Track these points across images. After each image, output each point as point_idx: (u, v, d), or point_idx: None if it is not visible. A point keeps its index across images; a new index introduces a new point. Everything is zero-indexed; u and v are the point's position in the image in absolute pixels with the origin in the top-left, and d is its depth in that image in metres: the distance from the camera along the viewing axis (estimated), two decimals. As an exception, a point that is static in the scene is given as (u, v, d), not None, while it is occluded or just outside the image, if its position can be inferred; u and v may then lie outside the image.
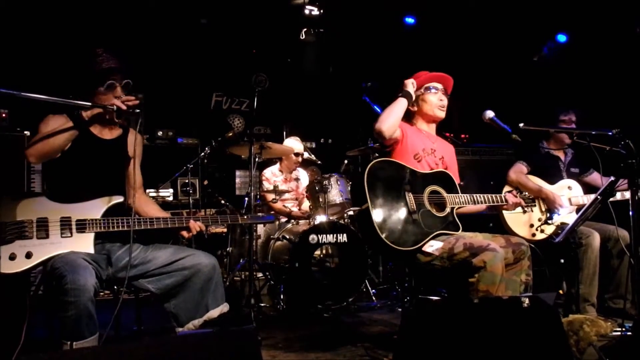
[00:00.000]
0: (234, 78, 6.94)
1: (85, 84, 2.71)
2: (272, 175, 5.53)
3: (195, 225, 2.84)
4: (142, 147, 3.03)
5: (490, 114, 3.15)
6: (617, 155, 2.76)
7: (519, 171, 4.13)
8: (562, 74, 6.16)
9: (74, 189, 2.63)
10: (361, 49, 7.03)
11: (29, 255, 2.43)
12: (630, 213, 2.50)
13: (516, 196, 3.30)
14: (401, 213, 2.98)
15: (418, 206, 3.03)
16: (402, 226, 2.95)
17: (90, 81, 2.72)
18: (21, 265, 2.41)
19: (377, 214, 2.91)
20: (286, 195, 5.42)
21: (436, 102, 3.38)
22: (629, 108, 5.10)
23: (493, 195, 3.28)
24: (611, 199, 3.82)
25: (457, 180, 3.32)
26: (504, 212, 3.63)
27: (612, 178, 2.68)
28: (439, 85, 3.40)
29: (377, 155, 3.28)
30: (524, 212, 3.39)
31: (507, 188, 4.11)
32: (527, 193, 3.35)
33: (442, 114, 3.40)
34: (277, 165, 5.65)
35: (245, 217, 3.10)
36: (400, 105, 3.22)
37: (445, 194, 3.17)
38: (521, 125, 2.97)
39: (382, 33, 6.82)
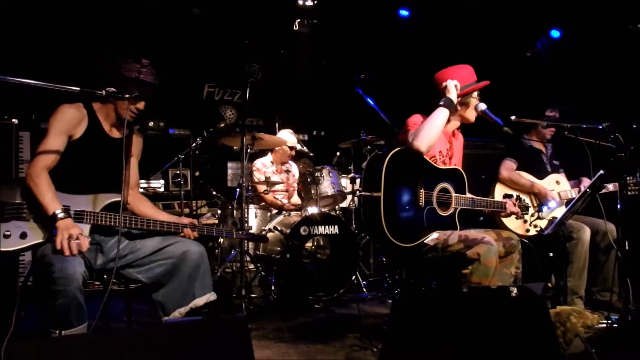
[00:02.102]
0: (226, 69, 6.90)
1: (120, 86, 2.70)
2: (263, 166, 5.52)
3: (191, 234, 2.87)
4: (141, 147, 3.07)
5: (482, 106, 3.15)
6: (606, 149, 2.78)
7: (510, 168, 4.14)
8: (555, 69, 6.19)
9: (77, 181, 2.64)
10: (355, 41, 7.02)
11: (23, 236, 2.44)
12: (618, 206, 2.52)
13: (515, 204, 3.27)
14: (409, 208, 2.96)
15: (426, 203, 3.00)
16: (406, 222, 2.94)
17: (126, 85, 2.72)
18: (14, 244, 2.42)
19: (387, 207, 2.85)
20: (276, 187, 5.42)
21: (478, 107, 3.22)
22: (620, 103, 5.14)
23: (494, 200, 3.29)
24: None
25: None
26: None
27: (602, 171, 2.69)
28: (475, 92, 3.24)
29: (393, 143, 3.20)
30: (517, 218, 3.39)
31: (499, 186, 4.12)
32: (525, 200, 3.34)
33: (473, 120, 3.27)
34: (269, 157, 5.63)
35: (240, 232, 3.27)
36: (441, 118, 3.03)
37: (453, 194, 3.12)
38: (513, 117, 2.98)
39: (376, 25, 6.81)
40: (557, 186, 4.21)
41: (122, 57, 2.77)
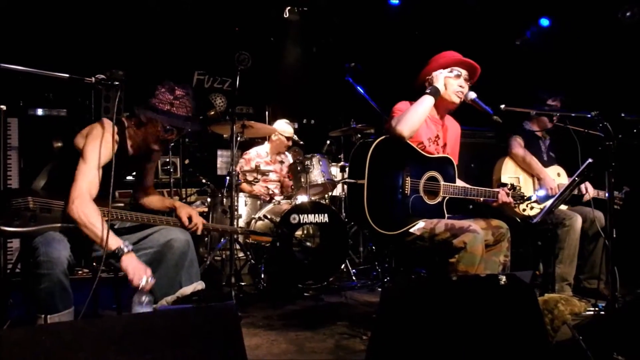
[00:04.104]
0: (216, 56, 6.85)
1: (159, 112, 2.72)
2: (257, 155, 5.50)
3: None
4: (159, 157, 3.17)
5: (472, 95, 3.14)
6: (595, 137, 2.79)
7: (522, 146, 4.18)
8: (544, 57, 6.20)
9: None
10: (345, 29, 6.99)
11: (33, 219, 2.42)
12: (606, 195, 2.53)
13: (508, 194, 3.24)
14: (394, 197, 2.97)
15: (412, 192, 3.01)
16: (391, 210, 2.95)
17: (164, 115, 2.72)
18: (23, 225, 2.40)
19: (371, 194, 2.87)
20: (271, 176, 5.41)
21: (455, 86, 3.16)
22: (609, 92, 5.16)
23: (486, 189, 3.26)
24: (594, 197, 3.94)
25: (455, 162, 3.27)
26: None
27: (590, 160, 2.71)
28: (463, 71, 3.18)
29: (383, 131, 3.19)
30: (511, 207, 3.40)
31: (508, 160, 4.15)
32: (520, 189, 3.33)
33: (457, 100, 3.18)
34: (266, 146, 5.61)
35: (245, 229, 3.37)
36: (426, 106, 3.04)
37: (441, 183, 3.13)
38: (502, 106, 2.98)
39: (367, 13, 6.78)
40: (558, 178, 4.26)
41: (160, 85, 2.74)
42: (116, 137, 2.66)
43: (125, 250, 2.47)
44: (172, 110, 2.73)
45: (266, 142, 5.67)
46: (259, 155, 5.52)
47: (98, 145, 2.54)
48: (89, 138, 2.58)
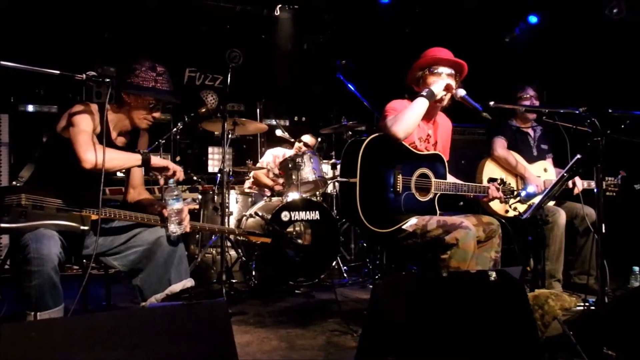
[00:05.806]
0: (207, 54, 6.83)
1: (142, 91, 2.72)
2: (283, 156, 5.53)
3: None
4: (147, 144, 3.08)
5: (461, 92, 3.13)
6: (583, 133, 2.81)
7: (504, 147, 4.18)
8: (533, 53, 6.24)
9: (76, 179, 2.58)
10: (336, 26, 6.99)
11: (23, 215, 2.39)
12: (595, 190, 2.55)
13: (498, 189, 3.25)
14: (386, 194, 2.97)
15: (404, 189, 3.01)
16: (383, 208, 2.95)
17: (147, 93, 2.73)
18: (12, 222, 2.37)
19: (363, 193, 2.87)
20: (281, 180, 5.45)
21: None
22: (597, 88, 5.20)
23: (476, 185, 3.27)
24: (582, 188, 3.96)
25: (446, 158, 3.27)
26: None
27: (579, 156, 2.72)
28: (447, 69, 3.16)
29: (374, 128, 3.18)
30: (501, 202, 3.40)
31: (489, 163, 4.16)
32: (510, 184, 3.34)
33: (438, 95, 3.12)
34: (291, 152, 5.64)
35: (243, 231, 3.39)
36: (420, 108, 3.01)
37: (432, 179, 3.12)
38: (491, 103, 2.99)
39: (357, 11, 6.79)
40: (545, 174, 4.26)
41: (137, 64, 2.73)
42: (97, 114, 2.66)
43: (144, 154, 2.65)
44: (157, 87, 2.73)
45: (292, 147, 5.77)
46: (284, 156, 5.56)
47: (83, 114, 2.59)
48: (73, 115, 2.59)
